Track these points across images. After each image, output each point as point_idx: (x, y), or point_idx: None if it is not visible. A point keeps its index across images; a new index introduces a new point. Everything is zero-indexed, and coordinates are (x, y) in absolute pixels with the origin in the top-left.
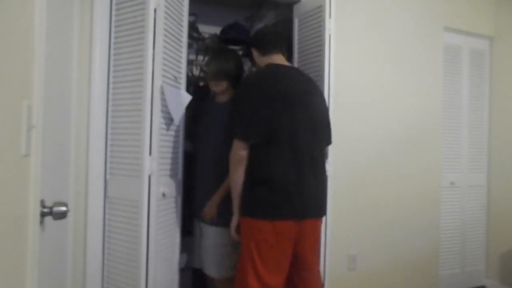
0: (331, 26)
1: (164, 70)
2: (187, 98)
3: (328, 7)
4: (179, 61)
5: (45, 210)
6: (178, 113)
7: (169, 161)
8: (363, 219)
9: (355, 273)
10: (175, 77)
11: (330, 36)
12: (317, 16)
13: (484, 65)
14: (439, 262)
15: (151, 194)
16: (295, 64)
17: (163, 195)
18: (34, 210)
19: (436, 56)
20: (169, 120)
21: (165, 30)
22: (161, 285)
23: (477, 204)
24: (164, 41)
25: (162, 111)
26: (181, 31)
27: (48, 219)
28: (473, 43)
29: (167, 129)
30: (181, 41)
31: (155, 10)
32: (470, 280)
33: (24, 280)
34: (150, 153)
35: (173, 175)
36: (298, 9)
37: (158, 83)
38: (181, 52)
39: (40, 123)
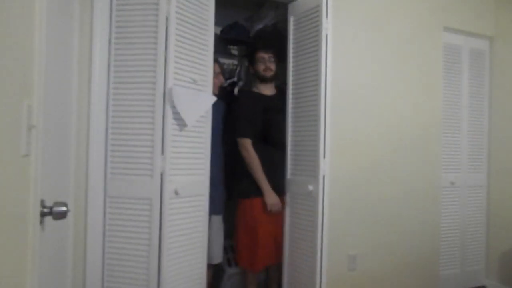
0: (328, 26)
1: (177, 73)
2: (209, 99)
3: (325, 7)
4: (202, 64)
5: (45, 210)
6: (192, 115)
7: (190, 160)
8: (363, 219)
9: (355, 273)
10: (194, 80)
11: (327, 36)
12: (314, 16)
13: (484, 65)
14: (439, 262)
15: (163, 192)
16: (290, 64)
17: (176, 193)
18: (34, 210)
19: (436, 56)
20: (182, 121)
21: (178, 35)
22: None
23: (477, 204)
24: (177, 45)
25: (175, 112)
26: (204, 34)
27: (48, 219)
28: (473, 43)
29: (179, 130)
30: (205, 44)
31: (166, 18)
32: (470, 280)
33: (24, 279)
34: (162, 153)
35: (194, 175)
36: (293, 8)
37: (169, 85)
38: (204, 55)
39: (40, 123)
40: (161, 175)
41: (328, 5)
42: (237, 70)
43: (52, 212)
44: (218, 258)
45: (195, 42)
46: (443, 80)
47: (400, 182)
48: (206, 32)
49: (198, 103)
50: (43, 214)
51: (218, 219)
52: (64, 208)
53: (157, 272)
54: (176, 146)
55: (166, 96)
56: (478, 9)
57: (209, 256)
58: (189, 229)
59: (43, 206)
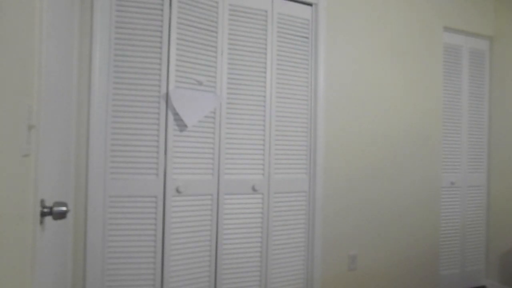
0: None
1: (179, 75)
2: (214, 100)
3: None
4: (209, 66)
5: (45, 210)
6: (192, 115)
7: (194, 160)
8: (363, 219)
9: (355, 273)
10: (199, 82)
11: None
12: (259, 19)
13: (484, 65)
14: (439, 262)
15: (166, 190)
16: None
17: (178, 191)
18: (34, 210)
19: (436, 56)
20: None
21: (180, 38)
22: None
23: (477, 204)
24: (178, 48)
25: (177, 113)
26: (214, 36)
27: (48, 219)
28: (473, 43)
29: (182, 130)
30: (214, 46)
31: (169, 20)
32: (470, 280)
33: (24, 279)
34: (165, 152)
35: (199, 174)
36: None
37: (171, 87)
38: (212, 56)
39: (40, 123)
40: (164, 173)
41: (274, 14)
42: None
43: (52, 212)
44: None
45: (199, 44)
46: (443, 80)
47: (400, 182)
48: (213, 34)
49: (201, 104)
50: (43, 214)
51: None
52: (64, 208)
53: (161, 268)
54: (178, 146)
55: (168, 97)
56: (478, 9)
57: None
58: (195, 227)
59: (43, 206)
